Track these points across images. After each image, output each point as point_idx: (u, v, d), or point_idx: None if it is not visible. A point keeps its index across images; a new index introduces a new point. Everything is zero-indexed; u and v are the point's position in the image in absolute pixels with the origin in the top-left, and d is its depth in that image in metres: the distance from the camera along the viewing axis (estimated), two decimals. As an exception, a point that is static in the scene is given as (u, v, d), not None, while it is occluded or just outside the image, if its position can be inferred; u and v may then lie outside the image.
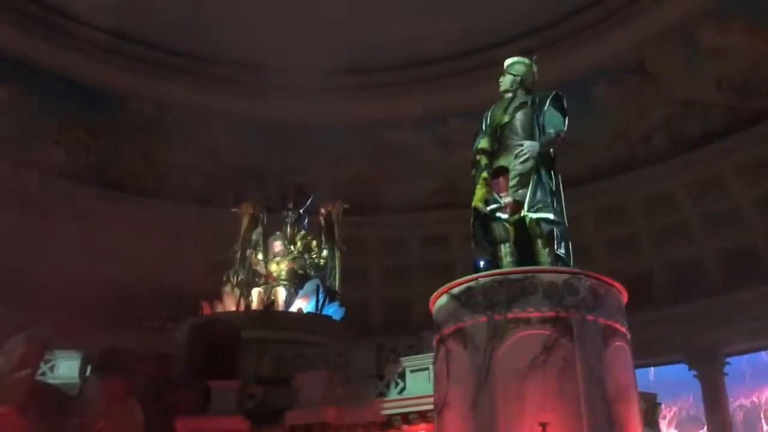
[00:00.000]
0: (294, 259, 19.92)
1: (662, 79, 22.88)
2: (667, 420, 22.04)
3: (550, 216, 9.37)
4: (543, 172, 9.68)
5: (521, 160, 9.62)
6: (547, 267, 8.98)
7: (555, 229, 9.39)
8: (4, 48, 22.78)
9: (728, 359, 21.60)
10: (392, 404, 13.70)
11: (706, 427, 21.65)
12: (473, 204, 9.83)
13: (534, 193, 9.48)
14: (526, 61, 10.74)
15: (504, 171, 9.87)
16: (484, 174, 9.90)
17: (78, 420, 13.55)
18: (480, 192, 9.80)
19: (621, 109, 23.80)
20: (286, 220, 20.81)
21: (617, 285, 8.89)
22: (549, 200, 9.53)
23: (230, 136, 26.38)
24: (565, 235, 9.55)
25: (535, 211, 9.37)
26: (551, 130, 9.88)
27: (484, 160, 10.06)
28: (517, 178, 9.62)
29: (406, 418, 13.41)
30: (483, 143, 10.21)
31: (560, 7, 23.03)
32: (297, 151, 26.72)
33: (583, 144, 23.80)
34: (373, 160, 26.79)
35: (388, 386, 14.14)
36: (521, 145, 9.71)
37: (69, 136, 24.83)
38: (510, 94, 10.44)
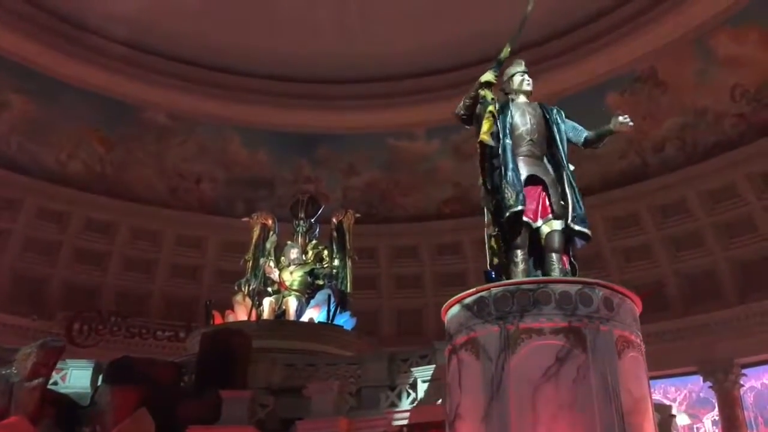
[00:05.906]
0: (310, 271, 19.88)
1: (675, 87, 22.77)
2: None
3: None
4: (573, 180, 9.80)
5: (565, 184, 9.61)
6: (559, 277, 8.88)
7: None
8: (18, 58, 22.96)
9: (744, 371, 21.40)
10: (404, 415, 13.61)
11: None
12: (480, 137, 9.53)
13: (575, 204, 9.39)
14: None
15: (535, 180, 9.50)
16: (491, 108, 9.66)
17: (90, 430, 13.56)
18: (487, 125, 9.51)
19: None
20: (298, 229, 20.76)
21: (631, 295, 8.78)
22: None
23: (242, 144, 26.47)
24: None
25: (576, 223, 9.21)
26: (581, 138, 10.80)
27: (490, 95, 9.86)
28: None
29: (417, 428, 13.32)
30: (489, 76, 10.03)
31: (572, 16, 22.96)
32: (309, 159, 26.78)
33: (596, 153, 23.56)
34: (386, 168, 26.80)
35: (399, 396, 14.09)
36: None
37: (84, 147, 24.96)
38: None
